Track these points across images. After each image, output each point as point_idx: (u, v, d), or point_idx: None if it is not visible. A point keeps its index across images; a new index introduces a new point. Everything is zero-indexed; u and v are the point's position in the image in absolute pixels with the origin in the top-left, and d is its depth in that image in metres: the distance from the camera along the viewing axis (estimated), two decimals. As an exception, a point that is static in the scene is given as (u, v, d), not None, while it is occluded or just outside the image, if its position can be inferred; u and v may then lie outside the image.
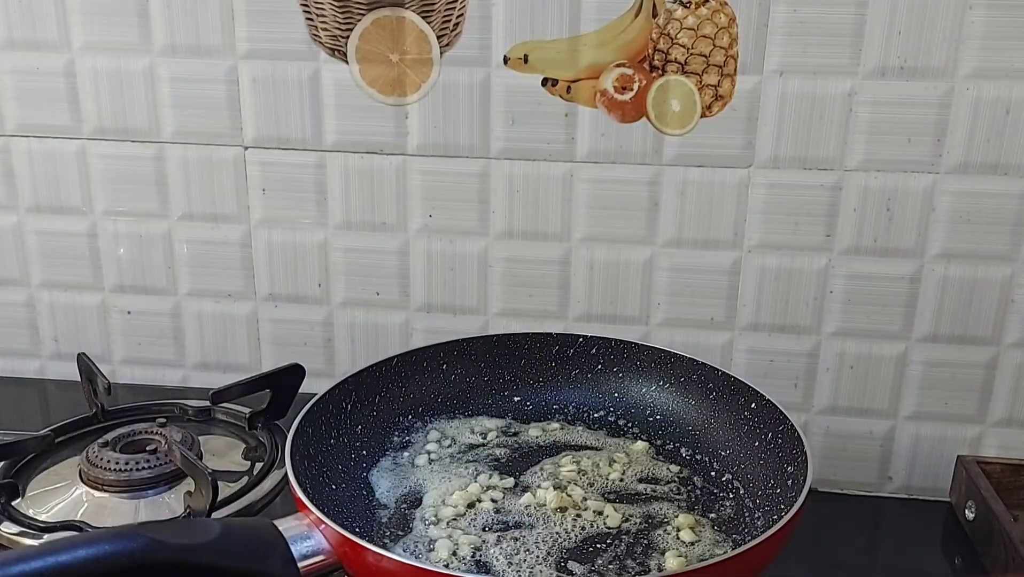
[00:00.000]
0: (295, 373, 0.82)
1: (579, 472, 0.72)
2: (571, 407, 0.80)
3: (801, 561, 0.72)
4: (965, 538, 0.76)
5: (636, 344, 0.80)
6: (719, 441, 0.74)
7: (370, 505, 0.68)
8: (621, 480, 0.71)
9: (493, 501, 0.68)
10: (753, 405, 0.72)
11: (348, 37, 0.82)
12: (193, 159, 0.88)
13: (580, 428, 0.78)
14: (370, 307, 0.90)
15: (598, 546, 0.64)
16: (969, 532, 0.76)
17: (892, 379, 0.84)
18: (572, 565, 0.62)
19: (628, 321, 0.86)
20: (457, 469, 0.72)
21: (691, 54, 0.78)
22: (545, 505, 0.67)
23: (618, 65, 0.80)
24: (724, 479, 0.71)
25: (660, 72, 0.79)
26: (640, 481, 0.72)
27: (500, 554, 0.63)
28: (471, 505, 0.68)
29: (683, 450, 0.75)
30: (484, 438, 0.76)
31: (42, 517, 0.70)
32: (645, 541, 0.65)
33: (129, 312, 0.94)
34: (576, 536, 0.65)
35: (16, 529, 0.68)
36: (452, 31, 0.81)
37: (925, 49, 0.76)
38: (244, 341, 0.93)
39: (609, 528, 0.66)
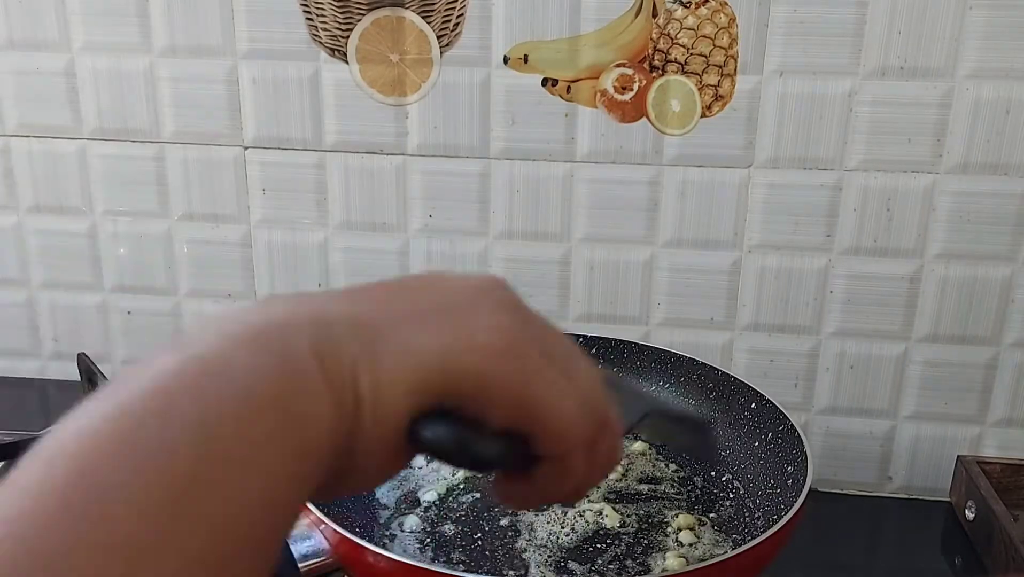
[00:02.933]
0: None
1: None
2: (571, 407, 0.80)
3: (801, 561, 0.72)
4: (965, 538, 0.76)
5: (636, 344, 0.80)
6: (719, 441, 0.74)
7: (370, 505, 0.68)
8: (621, 480, 0.71)
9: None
10: (753, 405, 0.72)
11: (348, 37, 0.82)
12: (193, 159, 0.88)
13: (580, 428, 0.78)
14: (370, 307, 0.90)
15: (598, 546, 0.64)
16: (969, 532, 0.76)
17: (892, 379, 0.84)
18: (572, 565, 0.62)
19: (628, 321, 0.86)
20: (457, 469, 0.72)
21: (691, 54, 0.78)
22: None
23: (618, 65, 0.80)
24: (724, 479, 0.71)
25: (660, 72, 0.79)
26: (640, 481, 0.72)
27: (500, 554, 0.63)
28: (471, 505, 0.68)
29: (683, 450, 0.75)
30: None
31: (42, 517, 0.70)
32: (645, 541, 0.65)
33: (129, 312, 0.94)
34: (576, 536, 0.65)
35: (16, 529, 0.68)
36: (452, 31, 0.81)
37: (925, 49, 0.76)
38: (244, 341, 0.93)
39: (609, 528, 0.66)
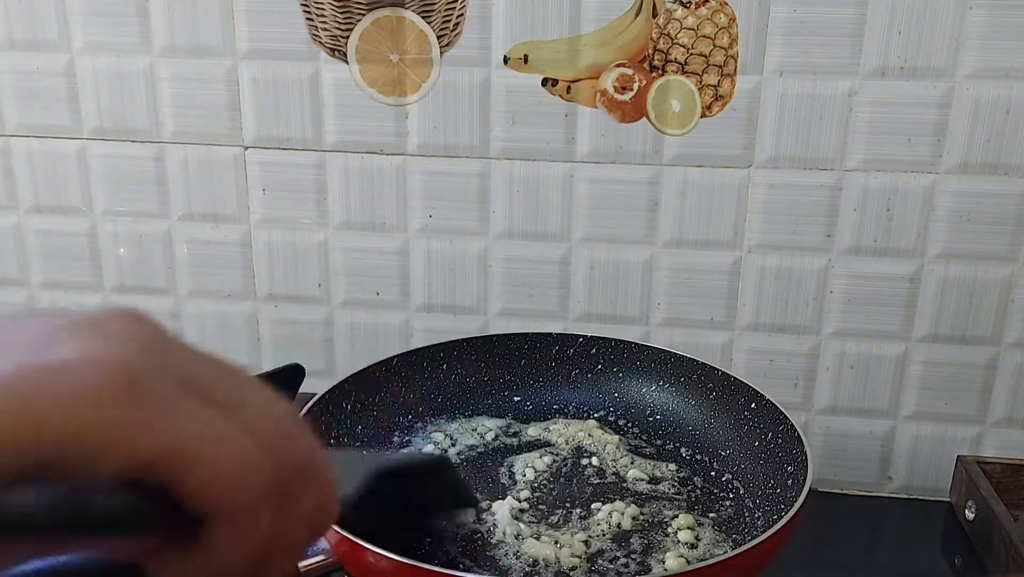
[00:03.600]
0: (295, 373, 0.82)
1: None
2: (571, 407, 0.80)
3: (801, 561, 0.72)
4: (965, 538, 0.76)
5: (636, 344, 0.80)
6: (719, 441, 0.74)
7: (370, 505, 0.68)
8: (621, 480, 0.71)
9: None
10: (753, 405, 0.72)
11: (348, 37, 0.82)
12: (193, 159, 0.88)
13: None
14: (370, 307, 0.90)
15: (598, 546, 0.64)
16: (969, 532, 0.76)
17: (892, 379, 0.84)
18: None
19: (628, 321, 0.86)
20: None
21: (691, 54, 0.78)
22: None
23: (618, 65, 0.80)
24: (724, 479, 0.71)
25: (660, 72, 0.79)
26: (640, 481, 0.71)
27: (500, 554, 0.62)
28: (471, 505, 0.68)
29: (683, 450, 0.75)
30: (484, 438, 0.76)
31: (42, 517, 0.70)
32: (645, 541, 0.65)
33: (129, 312, 0.94)
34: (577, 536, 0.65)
35: (16, 529, 0.68)
36: (452, 31, 0.81)
37: (925, 49, 0.76)
38: (244, 341, 0.93)
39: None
